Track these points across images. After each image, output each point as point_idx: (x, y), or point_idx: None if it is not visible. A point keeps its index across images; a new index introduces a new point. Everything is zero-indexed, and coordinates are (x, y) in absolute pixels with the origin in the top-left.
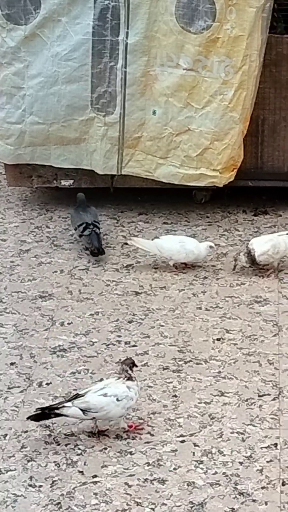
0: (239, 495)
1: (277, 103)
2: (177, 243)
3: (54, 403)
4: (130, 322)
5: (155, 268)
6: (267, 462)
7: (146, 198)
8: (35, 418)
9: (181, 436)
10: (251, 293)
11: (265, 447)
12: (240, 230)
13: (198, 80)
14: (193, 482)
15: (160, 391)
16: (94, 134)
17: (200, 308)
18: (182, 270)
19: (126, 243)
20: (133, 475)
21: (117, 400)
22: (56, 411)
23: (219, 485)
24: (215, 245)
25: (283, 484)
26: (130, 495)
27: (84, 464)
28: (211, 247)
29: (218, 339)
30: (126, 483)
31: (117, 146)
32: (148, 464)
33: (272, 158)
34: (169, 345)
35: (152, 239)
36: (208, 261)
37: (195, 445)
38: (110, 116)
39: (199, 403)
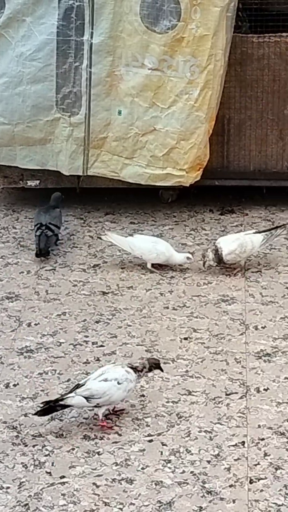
0: (207, 494)
1: (243, 102)
2: (149, 242)
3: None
4: (97, 322)
5: (122, 268)
6: (235, 460)
7: (113, 198)
8: (42, 413)
9: (149, 435)
10: (218, 292)
11: (233, 446)
12: (207, 229)
13: (164, 79)
14: (161, 481)
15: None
16: (60, 135)
17: (167, 308)
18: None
19: (100, 237)
20: (101, 475)
21: (118, 383)
22: (61, 402)
23: (187, 484)
24: (182, 244)
25: (250, 482)
26: (98, 495)
27: (52, 465)
28: (188, 258)
29: (186, 338)
30: (94, 484)
31: (83, 147)
32: (116, 464)
33: (238, 157)
34: (137, 345)
35: (126, 236)
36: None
37: (163, 444)
38: (76, 117)
39: (166, 402)
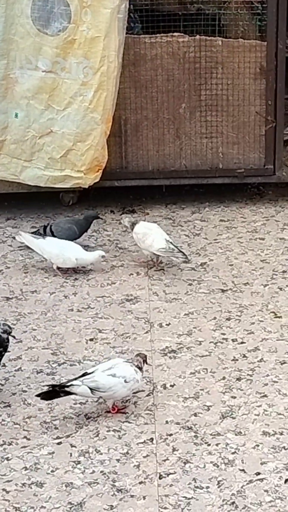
0: (117, 492)
1: (138, 102)
2: (58, 247)
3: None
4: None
5: (25, 273)
6: (144, 457)
7: (14, 203)
8: (45, 396)
9: (58, 438)
10: (122, 292)
11: (141, 443)
12: (108, 230)
13: (58, 82)
14: (71, 483)
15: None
16: None
17: (72, 310)
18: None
19: (14, 237)
20: (11, 480)
21: (125, 381)
22: (66, 389)
23: (97, 483)
24: (85, 246)
25: (160, 478)
26: (8, 500)
27: None
28: (102, 256)
29: (91, 339)
30: (3, 489)
31: None
32: (26, 468)
33: (136, 158)
34: (42, 348)
35: (38, 238)
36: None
37: (72, 446)
38: None
39: (74, 404)
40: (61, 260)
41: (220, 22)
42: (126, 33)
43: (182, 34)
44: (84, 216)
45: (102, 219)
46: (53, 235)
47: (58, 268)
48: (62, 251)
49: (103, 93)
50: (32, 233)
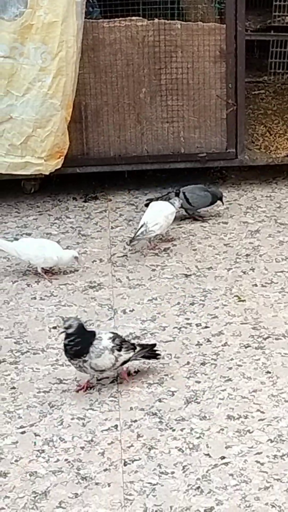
0: (82, 480)
1: (98, 88)
2: (36, 247)
3: None
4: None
5: None
6: (108, 444)
7: None
8: None
9: (21, 427)
10: (85, 279)
11: (106, 430)
12: (71, 217)
13: (17, 67)
14: (36, 472)
15: None
16: None
17: (35, 298)
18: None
19: None
20: None
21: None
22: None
23: (62, 472)
24: (46, 234)
25: (125, 465)
26: None
27: None
28: (76, 257)
29: (54, 327)
30: None
31: None
32: None
33: (98, 144)
34: (5, 338)
35: (12, 241)
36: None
37: (36, 434)
38: None
39: (38, 392)
40: (41, 260)
41: (179, 5)
42: (85, 18)
43: (141, 18)
44: (212, 192)
45: (223, 203)
46: (187, 202)
47: (43, 269)
48: (42, 250)
49: (62, 78)
50: (159, 197)
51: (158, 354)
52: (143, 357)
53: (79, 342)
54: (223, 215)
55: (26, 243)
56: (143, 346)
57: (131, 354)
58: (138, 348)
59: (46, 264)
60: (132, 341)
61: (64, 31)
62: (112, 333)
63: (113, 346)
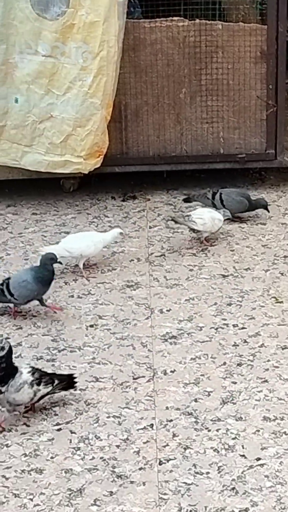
0: (117, 478)
1: (138, 88)
2: (81, 239)
3: None
4: (1, 315)
5: (25, 259)
6: (144, 443)
7: (14, 190)
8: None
9: (57, 424)
10: (123, 278)
11: (141, 429)
12: (109, 216)
13: (58, 66)
14: (71, 469)
15: None
16: None
17: (72, 296)
18: None
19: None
20: (10, 467)
21: None
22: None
23: (97, 469)
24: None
25: (160, 464)
26: (8, 487)
27: None
28: (120, 233)
29: (91, 326)
30: (3, 476)
31: None
32: (25, 455)
33: (137, 143)
34: (42, 335)
35: (57, 243)
36: None
37: (72, 432)
38: None
39: (74, 390)
40: (92, 248)
41: (220, 5)
42: (126, 18)
43: (182, 18)
44: (255, 199)
45: (268, 211)
46: (222, 204)
47: (84, 265)
48: (88, 239)
49: (102, 78)
50: (195, 195)
51: (75, 383)
52: (62, 389)
53: (3, 368)
54: (262, 216)
55: (71, 239)
56: (61, 379)
57: (50, 388)
58: (56, 382)
59: (97, 250)
60: (50, 372)
61: (105, 30)
62: (31, 367)
63: (32, 380)
